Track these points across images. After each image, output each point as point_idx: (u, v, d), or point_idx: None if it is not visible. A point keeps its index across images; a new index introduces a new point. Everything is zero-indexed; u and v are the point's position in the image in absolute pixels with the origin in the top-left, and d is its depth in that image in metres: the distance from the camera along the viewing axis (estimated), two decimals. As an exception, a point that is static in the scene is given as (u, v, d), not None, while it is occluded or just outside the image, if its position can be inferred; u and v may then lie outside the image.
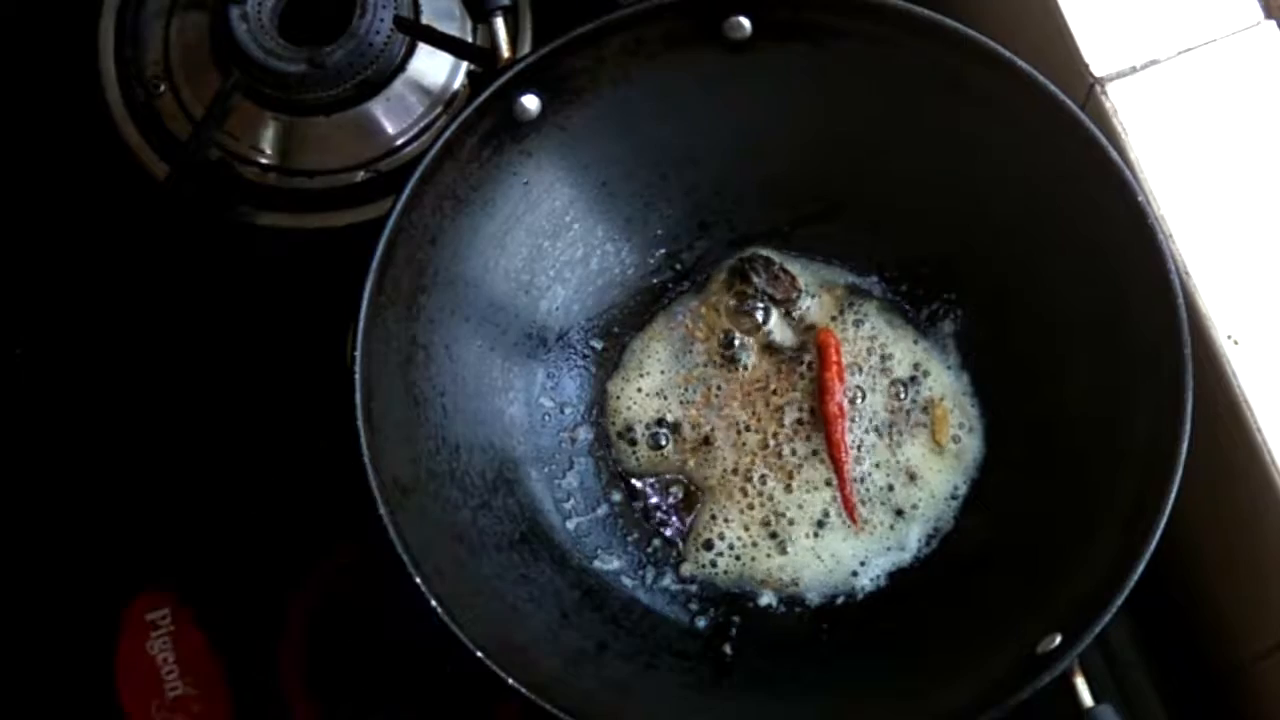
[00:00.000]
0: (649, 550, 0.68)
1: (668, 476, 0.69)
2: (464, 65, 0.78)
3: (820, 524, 0.68)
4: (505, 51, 0.67)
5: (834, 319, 0.71)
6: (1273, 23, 0.66)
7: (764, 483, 0.69)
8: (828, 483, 0.68)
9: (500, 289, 0.68)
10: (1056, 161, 0.63)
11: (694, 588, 0.68)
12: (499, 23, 0.67)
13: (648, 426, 0.71)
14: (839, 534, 0.68)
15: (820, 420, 0.69)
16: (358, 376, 0.60)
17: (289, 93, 0.75)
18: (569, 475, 0.69)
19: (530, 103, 0.65)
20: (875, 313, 0.71)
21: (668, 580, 0.68)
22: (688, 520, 0.69)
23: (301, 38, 0.75)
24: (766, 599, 0.67)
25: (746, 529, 0.68)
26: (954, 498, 0.68)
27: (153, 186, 0.76)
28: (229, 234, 0.77)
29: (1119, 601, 0.56)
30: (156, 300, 0.78)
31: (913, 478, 0.68)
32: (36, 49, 0.81)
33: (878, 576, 0.67)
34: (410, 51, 0.76)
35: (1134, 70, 0.65)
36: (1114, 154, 0.61)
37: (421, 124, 0.77)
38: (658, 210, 0.71)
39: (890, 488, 0.68)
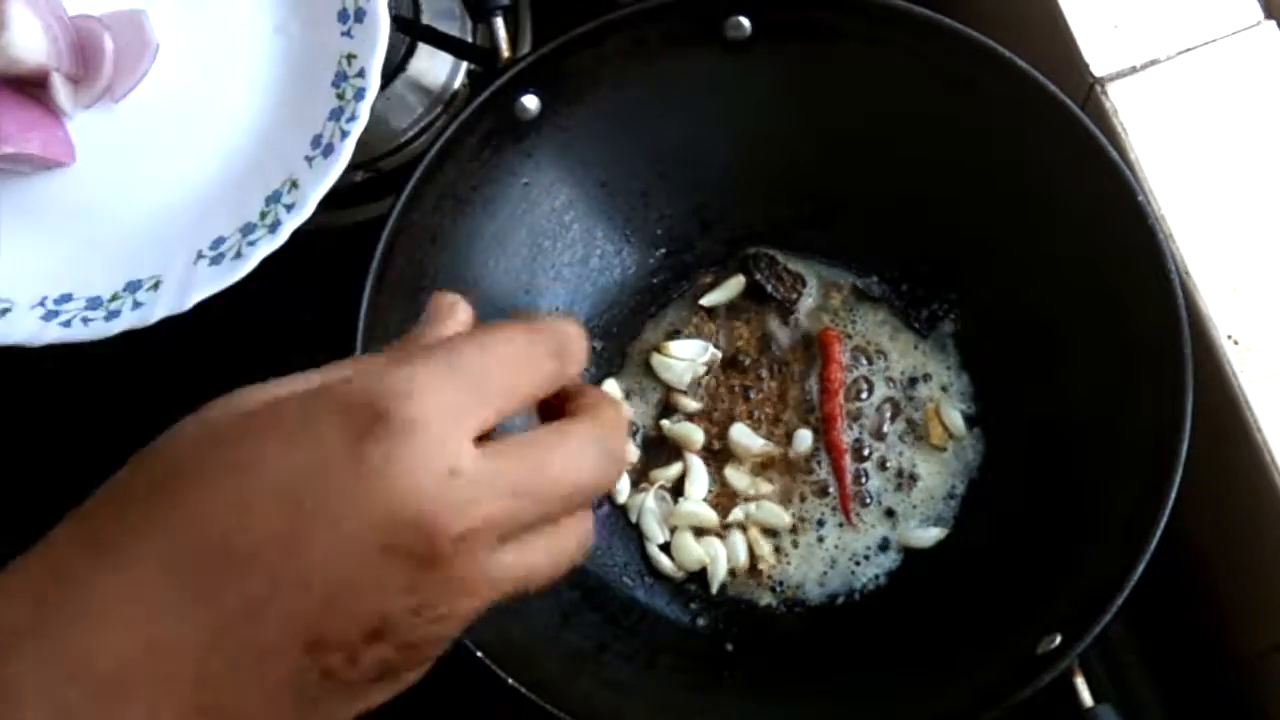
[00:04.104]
0: (648, 551, 0.68)
1: (664, 481, 0.69)
2: (464, 65, 0.78)
3: (820, 524, 0.68)
4: (505, 51, 0.67)
5: (834, 319, 0.71)
6: (1273, 23, 0.66)
7: (763, 483, 0.69)
8: (827, 483, 0.68)
9: (500, 289, 0.68)
10: (1056, 161, 0.63)
11: (694, 588, 0.68)
12: (499, 23, 0.67)
13: (646, 427, 0.71)
14: (838, 534, 0.68)
15: (820, 420, 0.69)
16: (358, 376, 0.60)
17: (288, 93, 0.75)
18: (569, 475, 0.69)
19: (530, 102, 0.65)
20: (875, 313, 0.71)
21: (667, 580, 0.68)
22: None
23: (301, 38, 0.75)
24: (766, 599, 0.67)
25: (745, 529, 0.68)
26: (953, 497, 0.68)
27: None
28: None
29: (1119, 601, 0.56)
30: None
31: (912, 478, 0.68)
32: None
33: (877, 576, 0.67)
34: (410, 51, 0.76)
35: (1134, 70, 0.65)
36: (1114, 154, 0.61)
37: (421, 124, 0.77)
38: (658, 210, 0.71)
39: (890, 488, 0.68)
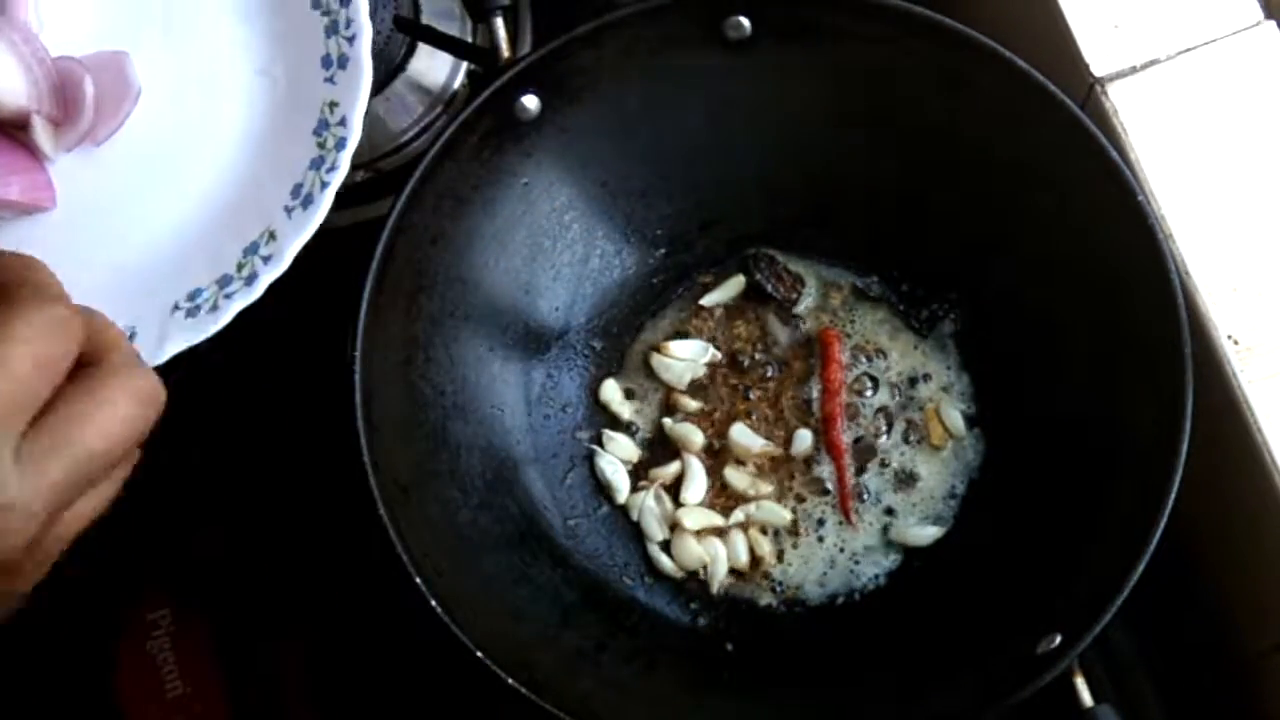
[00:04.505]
0: (648, 550, 0.68)
1: (664, 477, 0.69)
2: (464, 65, 0.78)
3: (820, 524, 0.68)
4: (505, 51, 0.67)
5: (834, 319, 0.71)
6: (1273, 23, 0.66)
7: (763, 483, 0.69)
8: (827, 483, 0.68)
9: (500, 289, 0.68)
10: (1056, 161, 0.63)
11: (694, 587, 0.68)
12: (499, 23, 0.67)
13: (647, 427, 0.71)
14: (838, 534, 0.68)
15: (820, 420, 0.69)
16: (357, 376, 0.60)
17: (288, 93, 0.75)
18: (569, 475, 0.69)
19: (530, 103, 0.65)
20: (875, 313, 0.71)
21: (667, 580, 0.68)
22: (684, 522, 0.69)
23: (301, 38, 0.75)
24: (766, 599, 0.67)
25: (745, 529, 0.68)
26: (953, 497, 0.68)
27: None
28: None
29: (1119, 601, 0.56)
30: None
31: (912, 477, 0.68)
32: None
33: (877, 576, 0.67)
34: (410, 51, 0.76)
35: (1134, 70, 0.65)
36: (1114, 154, 0.61)
37: (421, 124, 0.77)
38: (658, 210, 0.71)
39: (890, 488, 0.68)
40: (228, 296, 0.57)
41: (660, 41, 0.65)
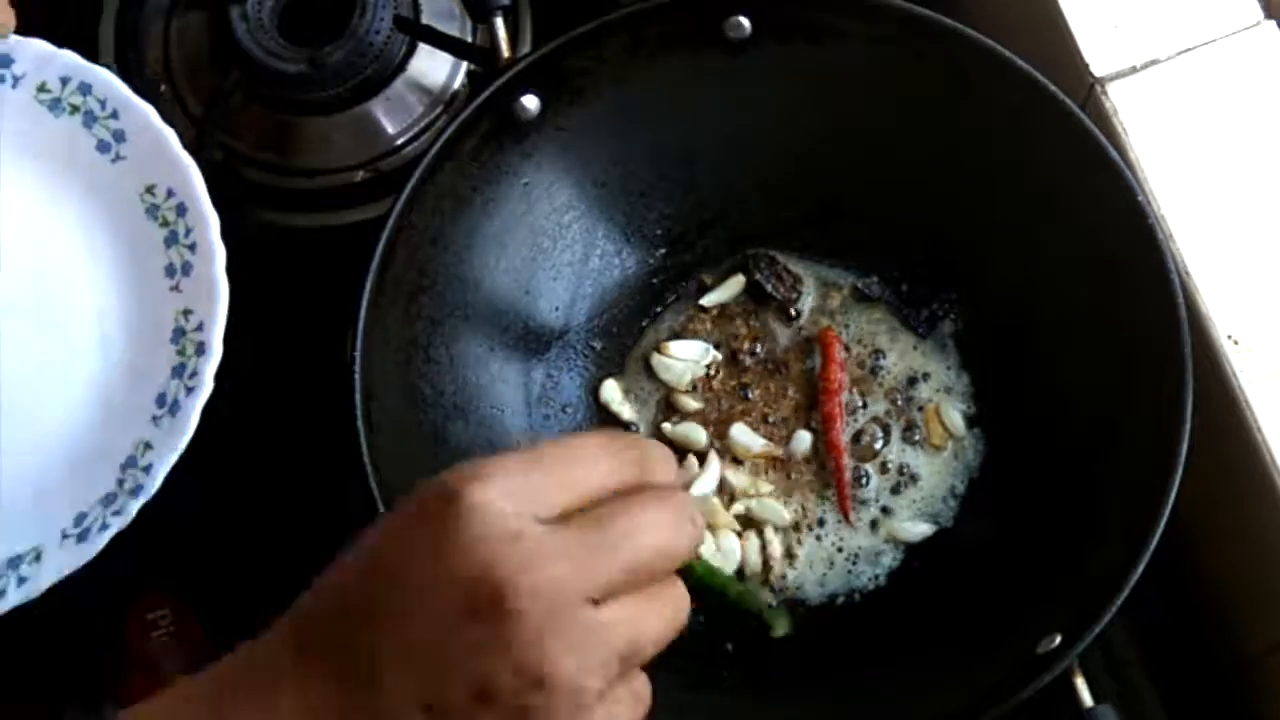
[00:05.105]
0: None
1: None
2: (464, 65, 0.78)
3: (820, 523, 0.68)
4: (505, 51, 0.67)
5: (834, 319, 0.71)
6: (1273, 23, 0.66)
7: (763, 482, 0.69)
8: (826, 483, 0.68)
9: (500, 289, 0.68)
10: (1056, 161, 0.63)
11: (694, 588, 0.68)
12: (499, 23, 0.67)
13: (647, 428, 0.71)
14: (838, 534, 0.68)
15: (819, 420, 0.69)
16: (357, 377, 0.60)
17: (289, 93, 0.75)
18: (569, 475, 0.69)
19: (530, 103, 0.65)
20: (875, 313, 0.71)
21: (668, 580, 0.68)
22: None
23: (301, 38, 0.75)
24: (766, 599, 0.67)
25: (745, 529, 0.68)
26: (953, 497, 0.68)
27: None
28: (230, 233, 0.77)
29: (1119, 601, 0.56)
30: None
31: (912, 477, 0.68)
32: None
33: (877, 576, 0.67)
34: (410, 51, 0.76)
35: (1134, 70, 0.65)
36: (1114, 154, 0.61)
37: (421, 124, 0.77)
38: (658, 210, 0.71)
39: (889, 488, 0.68)
40: (116, 513, 0.57)
41: (660, 41, 0.65)
